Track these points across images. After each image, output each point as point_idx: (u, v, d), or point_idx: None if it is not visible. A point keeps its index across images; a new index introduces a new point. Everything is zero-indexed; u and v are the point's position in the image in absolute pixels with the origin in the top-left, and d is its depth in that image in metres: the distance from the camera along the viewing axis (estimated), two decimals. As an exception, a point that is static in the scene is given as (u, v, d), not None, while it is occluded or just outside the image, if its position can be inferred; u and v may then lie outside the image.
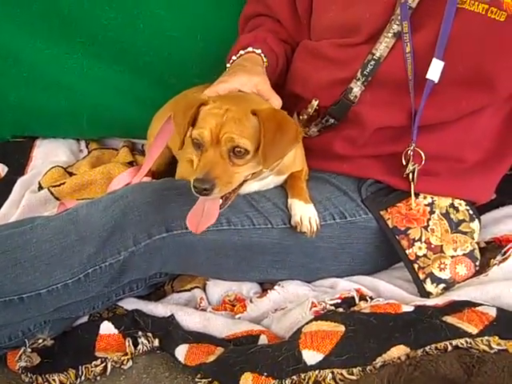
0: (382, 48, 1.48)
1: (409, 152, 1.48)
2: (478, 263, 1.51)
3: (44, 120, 2.10)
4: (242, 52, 1.57)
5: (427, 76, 1.43)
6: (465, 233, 1.52)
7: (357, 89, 1.50)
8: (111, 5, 1.89)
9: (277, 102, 1.42)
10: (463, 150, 1.54)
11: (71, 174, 2.00)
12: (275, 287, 1.52)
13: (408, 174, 1.50)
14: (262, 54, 1.57)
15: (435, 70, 1.42)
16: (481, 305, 1.31)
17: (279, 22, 1.75)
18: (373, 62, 1.48)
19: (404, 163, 1.50)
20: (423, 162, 1.49)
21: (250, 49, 1.57)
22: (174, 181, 1.53)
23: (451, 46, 1.42)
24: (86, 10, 1.89)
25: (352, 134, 1.38)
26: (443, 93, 1.45)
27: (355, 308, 1.40)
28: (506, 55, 1.42)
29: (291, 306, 1.45)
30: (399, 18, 1.46)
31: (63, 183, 1.91)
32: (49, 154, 2.12)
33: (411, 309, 1.34)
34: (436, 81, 1.43)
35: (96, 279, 1.37)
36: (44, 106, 2.04)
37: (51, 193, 1.89)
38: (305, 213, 1.45)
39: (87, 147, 2.20)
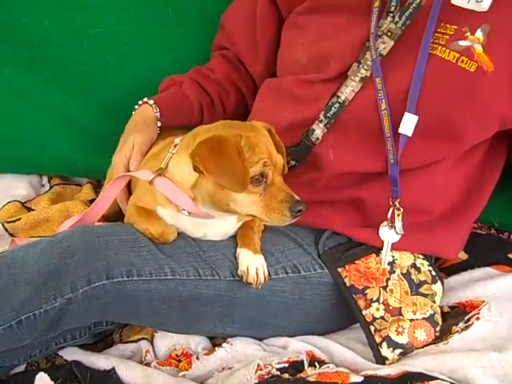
0: (347, 91, 1.44)
1: (395, 203, 1.42)
2: (438, 328, 1.42)
3: (4, 154, 2.06)
4: (136, 107, 1.67)
5: (400, 130, 1.39)
6: (425, 295, 1.44)
7: (319, 131, 1.46)
8: (81, 40, 1.89)
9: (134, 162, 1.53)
10: (430, 200, 1.49)
11: (29, 210, 1.94)
12: (223, 344, 1.44)
13: (392, 227, 1.43)
14: (154, 105, 1.64)
15: (408, 124, 1.38)
16: (435, 379, 1.21)
17: (229, 62, 1.81)
18: (337, 105, 1.44)
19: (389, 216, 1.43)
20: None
21: (145, 99, 1.66)
22: (118, 226, 1.46)
23: (420, 94, 1.38)
24: (55, 44, 1.90)
25: (312, 177, 1.35)
26: (409, 142, 1.40)
27: (301, 374, 1.30)
28: (472, 107, 1.38)
29: (238, 365, 1.36)
30: (368, 63, 1.42)
31: (18, 219, 1.85)
32: (7, 188, 2.05)
33: (360, 379, 1.24)
34: (409, 134, 1.38)
35: (30, 326, 1.29)
36: (5, 140, 2.01)
37: (5, 229, 1.83)
38: (252, 263, 1.38)
39: (49, 182, 2.13)
